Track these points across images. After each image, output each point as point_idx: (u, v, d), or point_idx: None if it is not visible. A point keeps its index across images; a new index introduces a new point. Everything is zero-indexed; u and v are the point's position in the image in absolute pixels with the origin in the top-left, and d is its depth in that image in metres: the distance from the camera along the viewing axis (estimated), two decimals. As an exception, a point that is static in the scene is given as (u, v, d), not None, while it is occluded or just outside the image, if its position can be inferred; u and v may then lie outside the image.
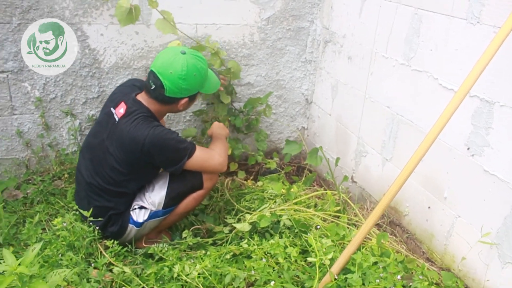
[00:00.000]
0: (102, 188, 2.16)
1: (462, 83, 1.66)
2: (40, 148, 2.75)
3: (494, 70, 1.70)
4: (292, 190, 2.51)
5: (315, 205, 2.50)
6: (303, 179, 2.87)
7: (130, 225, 2.20)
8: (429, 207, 2.19)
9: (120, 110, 2.14)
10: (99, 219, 2.12)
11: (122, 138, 2.07)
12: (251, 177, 3.03)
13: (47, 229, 2.27)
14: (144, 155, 2.05)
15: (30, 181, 2.70)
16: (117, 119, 2.12)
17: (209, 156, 2.23)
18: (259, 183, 2.84)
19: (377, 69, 2.46)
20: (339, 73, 2.83)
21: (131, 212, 2.20)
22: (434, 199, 2.15)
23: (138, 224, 2.20)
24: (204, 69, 2.14)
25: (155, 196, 2.21)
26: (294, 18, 2.97)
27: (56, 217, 2.31)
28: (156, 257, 2.13)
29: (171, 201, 2.23)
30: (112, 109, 2.18)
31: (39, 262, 1.90)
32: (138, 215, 2.20)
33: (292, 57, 3.09)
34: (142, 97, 2.17)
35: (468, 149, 1.93)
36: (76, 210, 2.28)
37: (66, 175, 2.73)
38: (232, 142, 2.97)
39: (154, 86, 2.08)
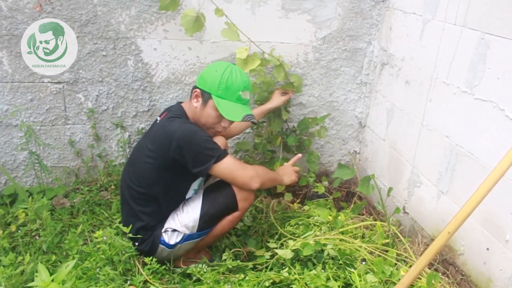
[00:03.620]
0: (130, 189, 2.16)
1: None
2: (90, 158, 2.80)
3: None
4: (339, 218, 2.39)
5: (363, 236, 2.37)
6: (352, 206, 2.74)
7: (161, 246, 2.16)
8: (487, 249, 2.01)
9: (162, 116, 2.19)
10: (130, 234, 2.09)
11: (156, 132, 2.11)
12: (298, 200, 2.93)
13: (89, 240, 2.28)
14: (173, 149, 2.00)
15: (78, 190, 2.74)
16: (158, 120, 2.19)
17: (240, 167, 2.12)
18: (306, 207, 2.75)
19: (437, 95, 2.31)
20: (396, 97, 2.70)
21: (163, 234, 2.16)
22: (494, 241, 1.97)
23: (170, 246, 2.15)
24: (229, 77, 2.07)
25: (188, 219, 2.15)
26: (351, 39, 2.88)
27: (99, 229, 2.33)
28: (194, 278, 2.09)
29: (205, 224, 2.17)
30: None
31: (76, 275, 1.90)
32: (170, 237, 2.15)
33: (347, 78, 2.99)
34: (185, 103, 2.22)
35: (536, 188, 1.76)
36: (120, 222, 2.29)
37: (112, 187, 2.75)
38: (282, 161, 2.90)
39: None
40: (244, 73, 2.15)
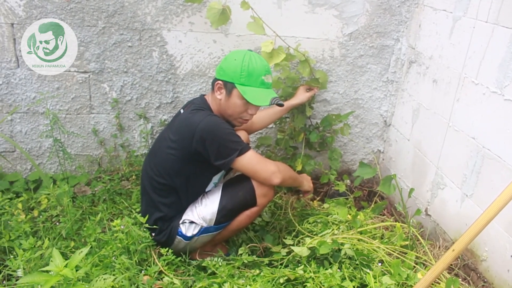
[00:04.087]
0: (150, 179, 2.16)
1: None
2: (112, 148, 2.83)
3: None
4: (358, 217, 2.35)
5: (382, 236, 2.32)
6: (372, 206, 2.69)
7: (178, 237, 2.16)
8: (512, 256, 1.94)
9: (186, 108, 2.17)
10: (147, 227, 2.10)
11: (180, 123, 2.09)
12: (318, 198, 2.90)
13: (107, 228, 2.30)
14: (196, 141, 1.99)
15: (100, 179, 2.77)
16: (181, 112, 2.18)
17: (262, 161, 2.11)
18: (325, 205, 2.71)
19: (465, 95, 2.24)
20: (422, 96, 2.63)
21: (181, 225, 2.16)
22: (518, 247, 1.90)
23: (187, 238, 2.15)
24: (249, 64, 2.04)
25: (206, 212, 2.14)
26: (379, 35, 2.82)
27: (118, 218, 2.36)
28: (209, 271, 2.09)
29: (223, 218, 2.15)
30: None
31: (93, 263, 1.93)
32: (188, 229, 2.15)
33: (373, 76, 2.93)
34: (207, 96, 2.20)
35: None
36: (139, 212, 2.31)
37: (134, 177, 2.78)
38: (304, 158, 2.88)
39: None
40: (262, 57, 2.12)
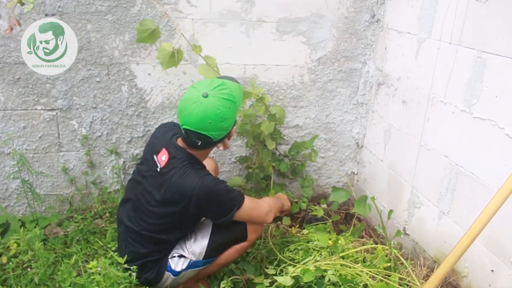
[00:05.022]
0: (142, 234, 2.06)
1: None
2: (84, 186, 2.75)
3: None
4: (339, 242, 2.34)
5: (364, 260, 2.31)
6: (351, 229, 2.68)
7: (167, 273, 2.09)
8: (492, 271, 1.96)
9: (162, 158, 2.03)
10: (134, 266, 2.02)
11: (169, 187, 1.96)
12: (297, 224, 2.87)
13: (82, 271, 2.21)
14: (192, 207, 1.94)
15: (72, 219, 2.67)
16: (159, 167, 2.02)
17: (257, 205, 2.15)
18: (304, 231, 2.69)
19: (434, 115, 2.29)
20: (393, 117, 2.68)
21: (169, 260, 2.10)
22: (498, 262, 1.92)
23: (176, 273, 2.09)
24: (232, 94, 1.95)
25: (196, 246, 2.11)
26: (346, 59, 2.87)
27: (93, 258, 2.27)
28: (192, 308, 2.03)
29: (213, 252, 2.13)
30: (154, 156, 2.07)
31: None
32: (177, 264, 2.09)
33: (343, 99, 2.96)
34: (182, 143, 2.05)
35: (540, 208, 1.71)
36: (115, 251, 2.23)
37: (107, 214, 2.69)
38: (277, 187, 2.88)
39: (200, 142, 1.95)
40: (218, 83, 1.96)
